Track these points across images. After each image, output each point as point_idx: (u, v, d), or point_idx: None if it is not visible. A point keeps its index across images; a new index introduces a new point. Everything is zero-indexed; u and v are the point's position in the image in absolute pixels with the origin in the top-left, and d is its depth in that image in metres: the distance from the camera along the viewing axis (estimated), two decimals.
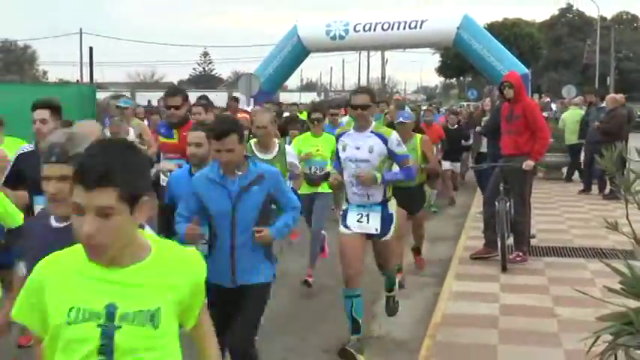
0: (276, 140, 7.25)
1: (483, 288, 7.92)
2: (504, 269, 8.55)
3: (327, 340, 6.63)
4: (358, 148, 6.00)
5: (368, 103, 6.02)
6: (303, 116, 15.95)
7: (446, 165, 14.52)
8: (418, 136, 8.29)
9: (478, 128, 13.13)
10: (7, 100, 9.98)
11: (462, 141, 15.40)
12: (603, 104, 15.49)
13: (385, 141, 6.00)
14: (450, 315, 6.95)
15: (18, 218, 4.83)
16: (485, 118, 12.77)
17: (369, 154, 5.99)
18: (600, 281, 6.96)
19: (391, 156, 6.07)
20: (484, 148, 12.31)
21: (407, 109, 12.89)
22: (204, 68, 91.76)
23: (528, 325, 6.62)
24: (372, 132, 6.04)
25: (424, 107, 18.53)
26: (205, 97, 16.26)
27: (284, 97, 36.04)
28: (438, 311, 7.07)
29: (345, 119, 15.04)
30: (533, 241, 9.77)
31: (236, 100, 17.02)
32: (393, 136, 6.08)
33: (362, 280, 7.19)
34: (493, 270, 8.62)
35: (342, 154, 6.15)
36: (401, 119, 8.24)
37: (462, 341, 6.22)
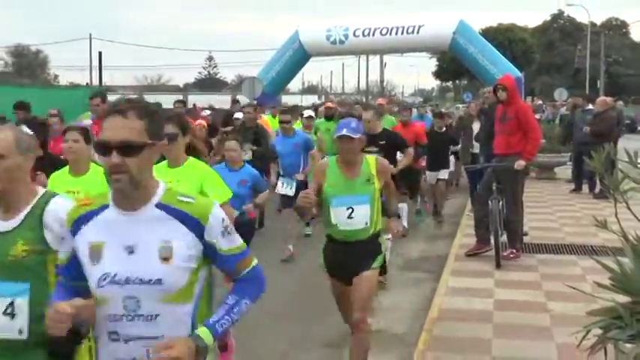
0: (39, 189, 3.22)
1: (478, 284, 7.92)
2: (498, 266, 8.55)
3: (329, 334, 6.63)
4: (132, 252, 2.57)
5: (143, 141, 2.54)
6: (274, 125, 13.27)
7: (432, 178, 12.60)
8: (370, 158, 5.24)
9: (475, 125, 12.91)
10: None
11: (451, 147, 13.02)
12: (589, 107, 15.53)
13: (199, 228, 2.59)
14: (446, 310, 6.95)
15: None
16: (475, 126, 12.78)
17: (162, 269, 2.55)
18: (591, 277, 6.96)
19: (210, 257, 2.66)
20: (476, 150, 12.30)
21: (388, 117, 11.18)
22: (209, 72, 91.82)
23: (522, 319, 6.62)
24: (163, 206, 2.60)
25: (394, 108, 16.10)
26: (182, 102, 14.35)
27: (286, 100, 36.06)
28: (435, 306, 7.07)
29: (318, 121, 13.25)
30: (525, 239, 9.77)
31: (183, 103, 13.81)
32: (217, 214, 2.64)
33: None
34: (488, 266, 8.63)
35: (90, 268, 2.61)
36: (344, 131, 5.00)
37: (458, 335, 6.22)
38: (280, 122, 10.31)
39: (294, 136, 10.23)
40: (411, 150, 8.95)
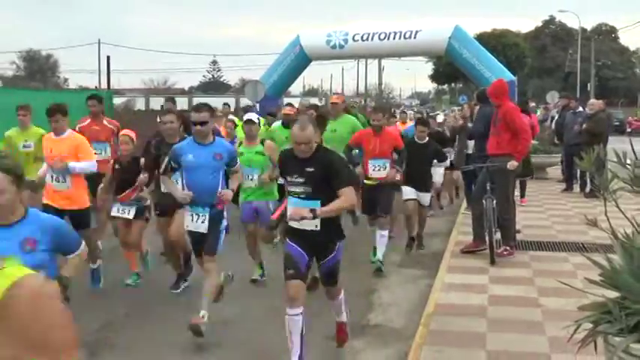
0: None
1: (473, 280, 7.92)
2: (493, 262, 8.56)
3: (328, 328, 6.64)
4: None
5: None
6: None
7: (408, 193, 9.61)
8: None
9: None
10: (31, 105, 10.03)
11: (435, 161, 9.87)
12: (579, 109, 15.55)
13: None
14: (442, 305, 6.95)
15: None
16: (469, 125, 12.75)
17: None
18: (581, 273, 6.96)
19: None
20: (470, 150, 12.26)
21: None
22: (213, 75, 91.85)
23: (515, 314, 6.62)
24: None
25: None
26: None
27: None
28: (431, 301, 7.07)
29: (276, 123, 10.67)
30: (518, 236, 9.77)
31: (98, 99, 9.82)
32: None
33: (357, 274, 7.23)
34: (482, 263, 8.63)
35: None
36: None
37: (454, 329, 6.22)
38: (193, 124, 6.45)
39: (213, 144, 6.52)
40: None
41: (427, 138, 9.82)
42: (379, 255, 8.65)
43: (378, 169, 8.69)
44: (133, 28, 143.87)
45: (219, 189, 6.38)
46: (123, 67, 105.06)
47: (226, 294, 6.89)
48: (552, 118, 20.13)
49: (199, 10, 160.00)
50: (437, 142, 10.36)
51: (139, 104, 41.15)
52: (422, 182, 9.69)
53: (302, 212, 5.10)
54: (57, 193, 7.40)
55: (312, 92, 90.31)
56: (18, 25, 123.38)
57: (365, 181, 8.81)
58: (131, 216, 7.98)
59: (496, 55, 33.63)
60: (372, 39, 29.39)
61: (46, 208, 6.42)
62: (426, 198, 9.92)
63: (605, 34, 78.00)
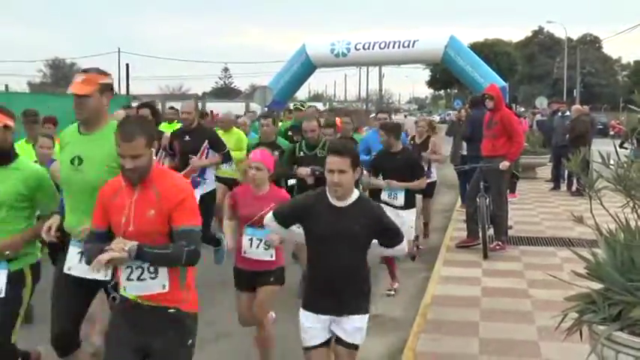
0: None
1: (467, 273, 7.92)
2: (486, 256, 8.56)
3: None
4: None
5: None
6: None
7: (313, 334, 3.80)
8: None
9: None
10: (57, 109, 10.08)
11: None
12: (567, 113, 15.63)
13: None
14: (438, 296, 6.95)
15: None
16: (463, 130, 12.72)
17: None
18: (568, 266, 6.95)
19: None
20: (465, 151, 12.22)
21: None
22: (224, 82, 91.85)
23: (506, 305, 6.62)
24: None
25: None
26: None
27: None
28: (428, 293, 7.07)
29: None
30: (510, 232, 9.76)
31: None
32: None
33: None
34: (476, 257, 8.63)
35: None
36: None
37: (449, 319, 6.22)
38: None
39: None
40: None
41: (357, 193, 3.83)
42: None
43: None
44: (150, 37, 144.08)
45: None
46: (141, 74, 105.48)
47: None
48: (537, 122, 20.18)
49: (213, 20, 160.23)
50: (405, 164, 7.00)
51: None
52: (346, 292, 3.84)
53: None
54: None
55: (317, 97, 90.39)
56: (45, 36, 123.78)
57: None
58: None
59: (489, 62, 33.58)
60: (373, 48, 29.38)
61: None
62: (356, 335, 3.96)
63: (590, 43, 77.81)
